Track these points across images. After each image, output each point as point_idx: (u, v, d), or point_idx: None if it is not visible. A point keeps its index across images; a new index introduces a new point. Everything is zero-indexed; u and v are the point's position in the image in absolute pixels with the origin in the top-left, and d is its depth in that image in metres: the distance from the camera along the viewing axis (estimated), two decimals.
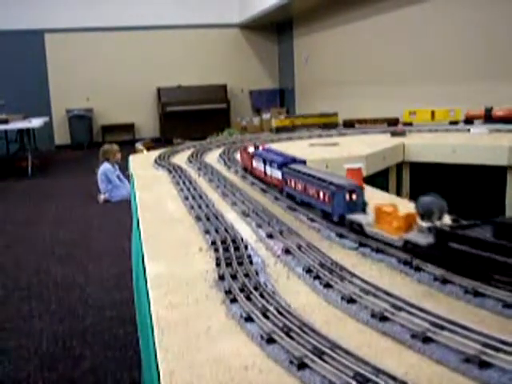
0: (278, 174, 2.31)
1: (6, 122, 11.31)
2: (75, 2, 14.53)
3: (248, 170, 2.92)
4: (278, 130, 5.62)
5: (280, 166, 2.27)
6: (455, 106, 5.39)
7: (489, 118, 5.10)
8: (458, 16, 7.93)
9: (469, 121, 5.24)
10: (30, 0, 14.22)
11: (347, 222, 1.72)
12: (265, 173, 2.52)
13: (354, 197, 1.74)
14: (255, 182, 2.69)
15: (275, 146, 4.48)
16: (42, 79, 14.69)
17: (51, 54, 14.79)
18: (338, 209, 1.76)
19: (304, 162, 2.29)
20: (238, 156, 3.80)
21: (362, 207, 1.75)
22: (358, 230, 1.67)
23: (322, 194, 1.85)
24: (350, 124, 5.62)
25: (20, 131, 12.29)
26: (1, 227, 7.10)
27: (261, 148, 2.80)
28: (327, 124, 5.76)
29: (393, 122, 5.51)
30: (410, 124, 5.41)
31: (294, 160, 2.29)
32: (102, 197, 8.39)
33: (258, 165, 2.65)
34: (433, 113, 5.37)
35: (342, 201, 1.74)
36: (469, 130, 4.86)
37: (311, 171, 2.03)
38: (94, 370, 3.36)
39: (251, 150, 2.80)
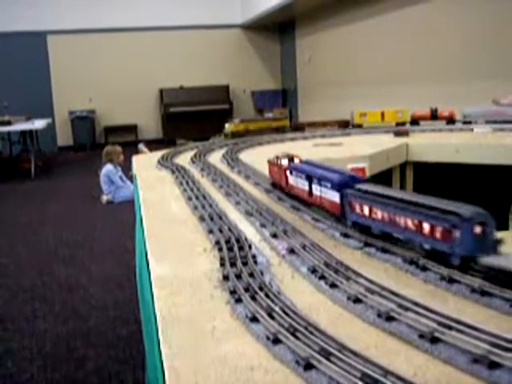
0: (332, 196, 1.82)
1: (8, 123, 11.33)
2: (77, 3, 14.56)
3: (279, 187, 2.40)
4: (234, 135, 5.15)
5: (337, 187, 1.79)
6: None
7: (434, 118, 5.05)
8: (465, 15, 7.91)
9: (415, 121, 5.18)
10: (33, 2, 14.25)
11: (487, 267, 1.25)
12: (310, 193, 2.02)
13: (482, 230, 1.27)
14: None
15: (279, 147, 4.48)
16: (44, 81, 14.72)
17: (54, 56, 14.81)
18: (460, 248, 1.28)
19: (367, 181, 1.83)
20: (241, 156, 3.79)
21: (492, 244, 1.28)
22: (503, 280, 1.21)
23: (428, 227, 1.36)
24: (300, 127, 5.48)
25: (23, 133, 12.31)
26: (4, 228, 7.11)
27: (297, 160, 2.30)
28: (278, 128, 5.63)
29: (343, 124, 5.39)
30: (361, 126, 5.31)
31: (355, 178, 1.81)
32: (104, 198, 8.39)
33: (297, 182, 2.13)
34: (382, 114, 5.30)
35: (467, 237, 1.26)
36: (472, 129, 4.85)
37: (399, 194, 1.54)
38: (97, 371, 3.36)
39: (285, 162, 2.30)
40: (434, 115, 5.03)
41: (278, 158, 2.39)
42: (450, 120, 5.04)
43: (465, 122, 4.98)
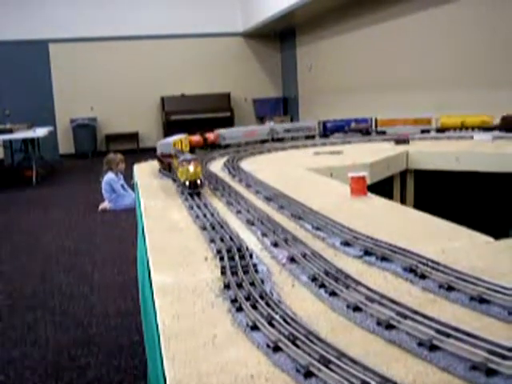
0: None
1: (10, 131, 11.37)
2: (79, 12, 14.62)
3: None
4: None
5: None
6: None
7: (205, 143, 4.70)
8: (468, 22, 7.95)
9: (191, 149, 4.64)
10: (34, 10, 14.33)
11: None
12: None
13: None
14: (260, 190, 2.51)
15: (280, 155, 4.49)
16: (46, 89, 14.77)
17: (55, 64, 14.87)
18: None
19: None
20: (242, 165, 3.81)
21: None
22: None
23: None
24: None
25: (24, 141, 12.35)
26: (6, 236, 7.12)
27: None
28: None
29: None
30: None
31: None
32: (102, 205, 8.39)
33: None
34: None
35: None
36: (472, 137, 4.87)
37: None
38: (99, 380, 3.36)
39: None
40: (205, 140, 4.75)
41: None
42: (213, 144, 4.72)
43: (222, 146, 4.74)
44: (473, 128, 5.02)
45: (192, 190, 2.68)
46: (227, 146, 4.75)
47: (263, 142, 4.99)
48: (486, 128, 4.96)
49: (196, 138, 4.47)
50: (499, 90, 7.04)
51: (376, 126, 5.37)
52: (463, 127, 5.04)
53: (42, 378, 3.41)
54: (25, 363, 3.60)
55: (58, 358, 3.66)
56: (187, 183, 2.69)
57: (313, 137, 5.24)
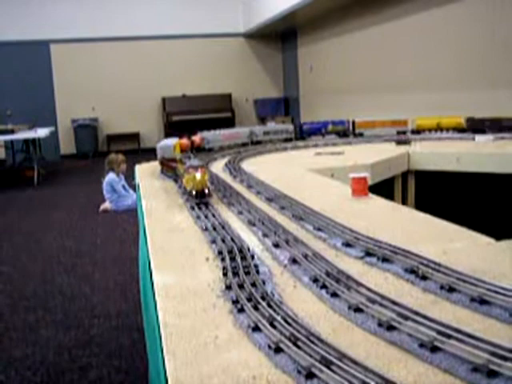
0: None
1: (12, 132, 11.38)
2: (81, 12, 14.64)
3: None
4: None
5: None
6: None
7: (192, 146, 4.45)
8: (468, 23, 7.95)
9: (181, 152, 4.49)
10: (36, 11, 14.34)
11: None
12: None
13: None
14: (261, 190, 2.53)
15: (281, 156, 4.50)
16: (47, 89, 14.78)
17: (57, 65, 14.88)
18: None
19: None
20: (243, 165, 3.81)
21: None
22: None
23: None
24: None
25: (26, 141, 12.36)
26: (7, 236, 7.12)
27: None
28: None
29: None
30: None
31: None
32: (103, 206, 8.39)
33: None
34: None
35: None
36: (473, 138, 4.87)
37: None
38: (100, 380, 3.36)
39: None
40: (192, 143, 4.67)
41: None
42: (198, 147, 4.60)
43: (206, 149, 4.67)
44: (447, 129, 5.11)
45: (199, 199, 2.51)
46: (211, 150, 4.69)
47: (244, 145, 4.96)
48: (459, 129, 5.05)
49: (185, 140, 4.44)
50: (499, 89, 7.05)
51: (354, 128, 5.38)
52: (438, 129, 5.10)
53: (43, 378, 3.41)
54: (26, 364, 3.60)
55: (58, 358, 3.66)
56: (194, 192, 2.52)
57: (290, 139, 5.21)
